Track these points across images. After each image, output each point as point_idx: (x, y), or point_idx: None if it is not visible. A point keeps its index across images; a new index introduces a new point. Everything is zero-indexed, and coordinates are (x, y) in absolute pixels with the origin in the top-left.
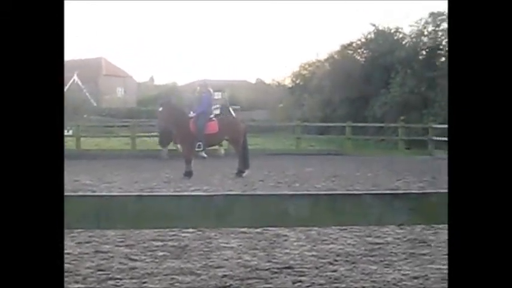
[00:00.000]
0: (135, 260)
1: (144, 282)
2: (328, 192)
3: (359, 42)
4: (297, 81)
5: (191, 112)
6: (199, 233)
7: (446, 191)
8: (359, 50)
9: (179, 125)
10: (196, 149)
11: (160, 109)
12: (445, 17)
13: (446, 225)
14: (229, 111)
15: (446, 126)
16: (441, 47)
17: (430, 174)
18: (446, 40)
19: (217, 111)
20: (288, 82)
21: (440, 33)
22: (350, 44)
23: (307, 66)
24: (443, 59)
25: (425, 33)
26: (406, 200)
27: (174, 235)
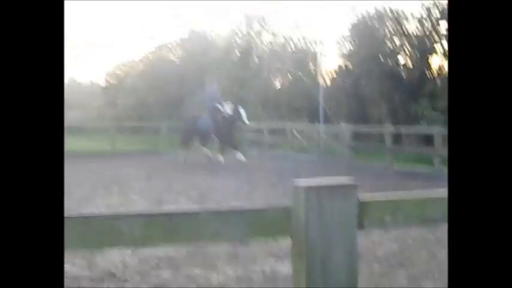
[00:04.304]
0: None
1: None
2: (162, 212)
3: (174, 43)
4: (111, 81)
5: None
6: None
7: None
8: (174, 51)
9: None
10: None
11: None
12: (260, 18)
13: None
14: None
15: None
16: (253, 47)
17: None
18: (259, 41)
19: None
20: (101, 82)
21: (253, 35)
22: (165, 45)
23: (121, 66)
24: (256, 59)
25: (239, 34)
26: (242, 216)
27: None
